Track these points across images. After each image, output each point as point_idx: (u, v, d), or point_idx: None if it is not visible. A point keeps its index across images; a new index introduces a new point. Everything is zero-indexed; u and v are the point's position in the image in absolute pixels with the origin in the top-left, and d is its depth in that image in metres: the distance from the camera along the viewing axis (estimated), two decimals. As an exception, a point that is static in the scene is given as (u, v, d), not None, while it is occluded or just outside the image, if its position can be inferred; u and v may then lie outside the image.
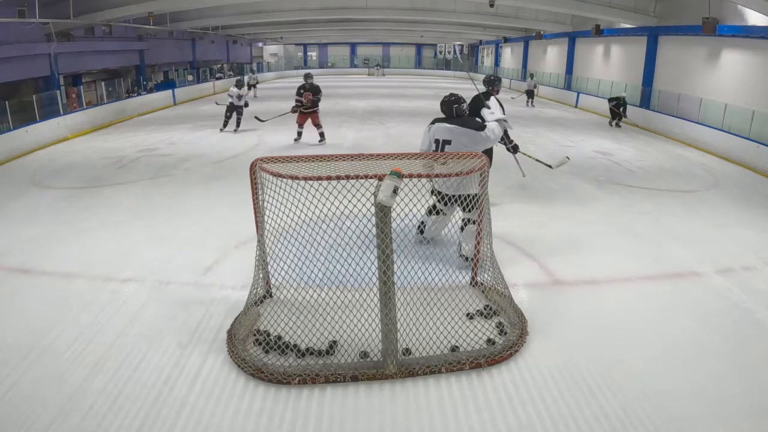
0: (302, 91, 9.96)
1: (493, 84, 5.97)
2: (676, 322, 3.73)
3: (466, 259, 4.43)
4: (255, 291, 3.70)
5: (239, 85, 12.17)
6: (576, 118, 15.80)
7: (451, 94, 4.71)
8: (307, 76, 10.11)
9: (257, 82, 20.84)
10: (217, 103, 19.39)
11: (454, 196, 4.12)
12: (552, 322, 3.63)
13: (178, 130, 12.37)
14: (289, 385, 2.94)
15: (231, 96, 11.92)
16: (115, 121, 13.98)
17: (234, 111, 11.93)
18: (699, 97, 12.29)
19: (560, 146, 10.21)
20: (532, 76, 19.91)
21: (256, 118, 11.65)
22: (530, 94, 18.87)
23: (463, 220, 4.48)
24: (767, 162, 8.92)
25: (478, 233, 3.84)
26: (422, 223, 4.81)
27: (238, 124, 11.99)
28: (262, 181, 3.45)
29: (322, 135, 10.28)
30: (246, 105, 12.17)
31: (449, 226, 4.75)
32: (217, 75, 25.19)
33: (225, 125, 12.05)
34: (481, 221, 3.80)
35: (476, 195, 3.79)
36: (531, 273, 4.47)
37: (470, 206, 4.00)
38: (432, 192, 4.43)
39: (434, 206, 4.60)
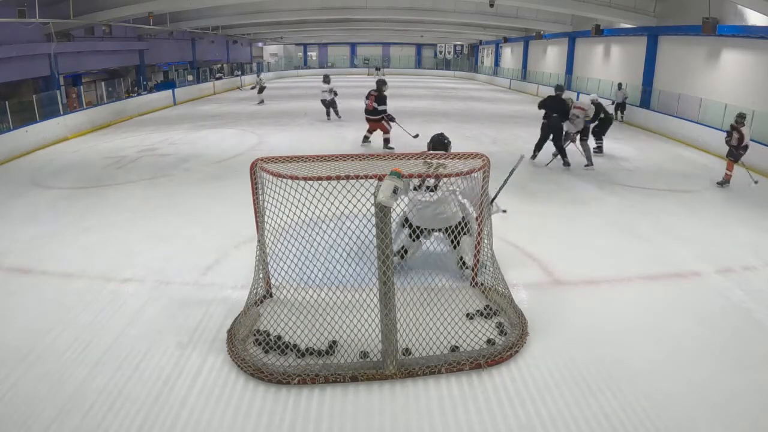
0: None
1: (562, 89, 8.61)
2: (676, 322, 3.73)
3: (467, 267, 4.19)
4: (255, 291, 3.70)
5: (327, 80, 13.29)
6: (576, 118, 15.76)
7: (443, 135, 4.50)
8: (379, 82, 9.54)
9: (264, 86, 19.07)
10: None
11: (434, 229, 4.03)
12: (552, 323, 3.63)
13: (178, 130, 12.36)
14: (289, 385, 2.94)
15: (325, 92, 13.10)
16: (115, 121, 13.98)
17: (330, 106, 13.32)
18: (699, 97, 12.28)
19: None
20: (620, 85, 15.09)
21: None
22: (621, 107, 14.76)
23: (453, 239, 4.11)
24: (767, 162, 8.91)
25: (478, 233, 3.83)
26: (403, 248, 4.35)
27: (337, 115, 13.49)
28: (262, 181, 3.45)
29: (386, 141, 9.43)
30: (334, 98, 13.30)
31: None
32: (217, 75, 25.17)
33: (329, 116, 13.60)
34: (481, 229, 3.78)
35: (460, 222, 3.67)
36: (531, 273, 4.47)
37: (457, 233, 3.82)
38: (406, 225, 4.19)
39: (412, 229, 4.21)
